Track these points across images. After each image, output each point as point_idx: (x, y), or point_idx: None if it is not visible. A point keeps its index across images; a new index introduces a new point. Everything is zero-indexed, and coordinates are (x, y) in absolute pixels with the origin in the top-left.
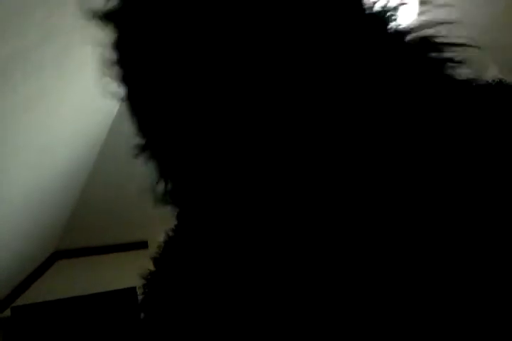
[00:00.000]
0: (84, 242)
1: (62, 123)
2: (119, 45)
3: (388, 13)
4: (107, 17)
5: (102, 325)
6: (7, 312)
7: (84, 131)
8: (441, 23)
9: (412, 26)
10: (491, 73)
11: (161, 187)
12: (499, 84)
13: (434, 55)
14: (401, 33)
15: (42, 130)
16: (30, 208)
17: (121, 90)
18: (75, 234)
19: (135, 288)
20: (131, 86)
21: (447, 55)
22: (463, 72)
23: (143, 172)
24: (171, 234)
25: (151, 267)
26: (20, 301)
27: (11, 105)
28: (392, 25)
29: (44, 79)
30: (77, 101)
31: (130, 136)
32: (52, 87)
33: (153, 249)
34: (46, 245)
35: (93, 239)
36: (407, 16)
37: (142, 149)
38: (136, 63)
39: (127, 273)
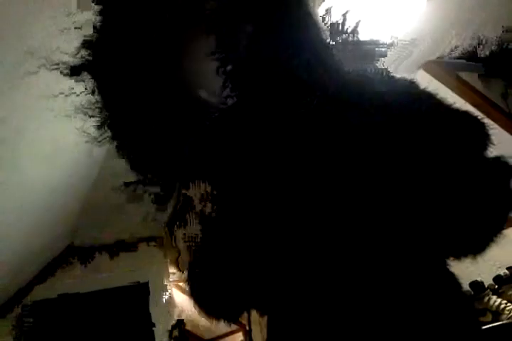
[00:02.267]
0: (98, 239)
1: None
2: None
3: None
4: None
5: (114, 320)
6: (18, 309)
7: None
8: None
9: None
10: None
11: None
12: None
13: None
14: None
15: (53, 128)
16: (45, 204)
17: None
18: (89, 230)
19: (146, 283)
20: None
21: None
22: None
23: None
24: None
25: (163, 263)
26: (33, 296)
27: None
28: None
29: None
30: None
31: None
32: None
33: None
34: (60, 241)
35: (106, 236)
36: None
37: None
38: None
39: (141, 268)
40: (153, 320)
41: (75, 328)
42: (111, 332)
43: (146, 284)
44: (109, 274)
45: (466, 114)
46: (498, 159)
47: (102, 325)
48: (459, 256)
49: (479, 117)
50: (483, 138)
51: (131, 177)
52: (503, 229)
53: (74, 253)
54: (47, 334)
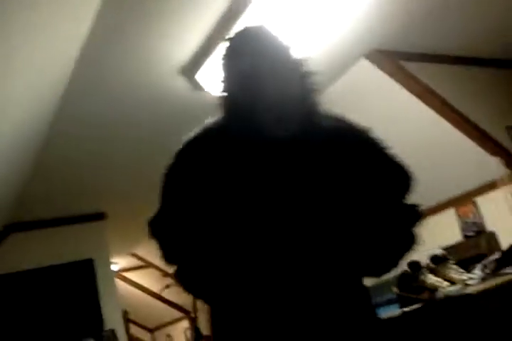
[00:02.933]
0: (39, 214)
1: (18, 79)
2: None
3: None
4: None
5: (59, 297)
6: None
7: (39, 89)
8: None
9: None
10: None
11: None
12: None
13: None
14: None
15: None
16: None
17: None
18: (29, 206)
19: (91, 259)
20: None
21: None
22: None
23: (99, 141)
24: None
25: (107, 239)
26: None
27: None
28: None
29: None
30: (34, 63)
31: (82, 103)
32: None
33: (110, 221)
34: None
35: (48, 211)
36: None
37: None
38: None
39: (84, 245)
40: (100, 297)
41: (19, 306)
42: (57, 310)
43: (91, 261)
44: (53, 251)
45: (395, 162)
46: (412, 206)
47: (47, 303)
48: (367, 275)
49: (406, 167)
50: (406, 186)
51: (79, 148)
52: (400, 260)
53: (16, 230)
54: None
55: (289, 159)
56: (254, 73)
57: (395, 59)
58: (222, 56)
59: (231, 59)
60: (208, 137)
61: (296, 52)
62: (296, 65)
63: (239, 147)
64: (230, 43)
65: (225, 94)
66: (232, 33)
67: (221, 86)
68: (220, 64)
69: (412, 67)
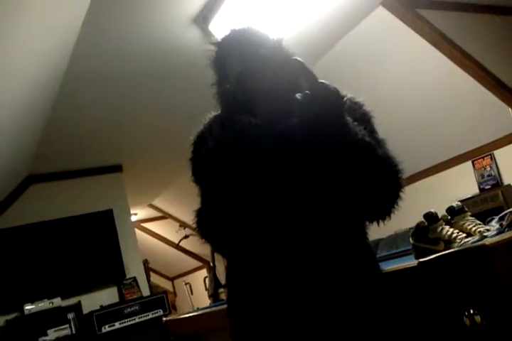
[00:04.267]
0: (58, 166)
1: (24, 45)
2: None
3: None
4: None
5: (82, 247)
6: None
7: (48, 51)
8: None
9: None
10: None
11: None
12: None
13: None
14: None
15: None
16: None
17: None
18: (49, 158)
19: (111, 210)
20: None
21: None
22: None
23: (113, 94)
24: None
25: (125, 190)
26: None
27: None
28: None
29: None
30: (40, 22)
31: (95, 57)
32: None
33: (127, 173)
34: (20, 169)
35: (67, 163)
36: None
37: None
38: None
39: (103, 196)
40: (121, 246)
41: (40, 256)
42: (81, 259)
43: (110, 211)
44: (73, 202)
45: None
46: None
47: (67, 253)
48: (371, 219)
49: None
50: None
51: (94, 101)
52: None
53: (35, 181)
54: (12, 262)
55: (287, 149)
56: (246, 70)
57: (411, 6)
58: (211, 59)
59: (221, 60)
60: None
61: (286, 48)
62: (287, 58)
63: (246, 147)
64: (218, 46)
65: (222, 92)
66: (218, 38)
67: (216, 86)
68: (211, 66)
69: (428, 14)
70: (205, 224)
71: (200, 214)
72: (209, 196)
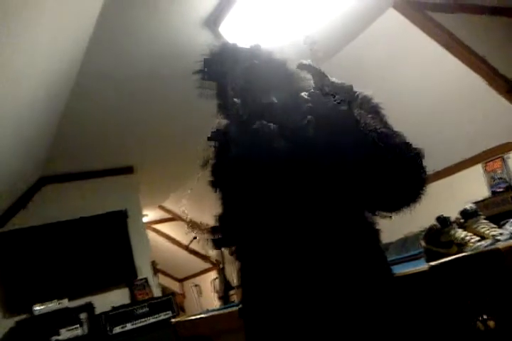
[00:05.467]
0: (71, 167)
1: (37, 46)
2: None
3: None
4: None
5: (91, 249)
6: None
7: (60, 53)
8: None
9: None
10: None
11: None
12: None
13: None
14: None
15: (16, 52)
16: (12, 134)
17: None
18: (62, 160)
19: (123, 211)
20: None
21: None
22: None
23: (124, 95)
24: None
25: (137, 192)
26: (7, 227)
27: None
28: None
29: None
30: (53, 23)
31: (107, 59)
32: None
33: (138, 174)
34: (32, 170)
35: (79, 165)
36: None
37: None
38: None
39: (115, 197)
40: (133, 247)
41: (52, 257)
42: (90, 261)
43: (122, 212)
44: (85, 203)
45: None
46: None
47: (80, 254)
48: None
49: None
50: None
51: (107, 104)
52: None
53: (48, 182)
54: (24, 263)
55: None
56: (247, 82)
57: (422, 9)
58: (209, 74)
59: (220, 73)
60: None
61: (290, 63)
62: (289, 73)
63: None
64: (211, 63)
65: (226, 106)
66: (210, 54)
67: (219, 100)
68: (212, 84)
69: (439, 16)
70: (227, 229)
71: (222, 219)
72: (233, 202)
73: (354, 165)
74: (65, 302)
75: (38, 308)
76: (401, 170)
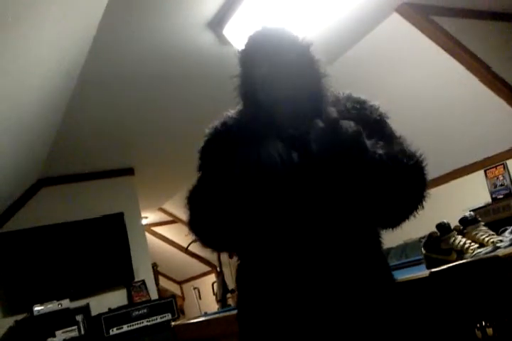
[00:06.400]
0: (70, 169)
1: (40, 47)
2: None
3: None
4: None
5: (89, 250)
6: None
7: (63, 53)
8: None
9: None
10: None
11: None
12: None
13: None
14: None
15: (19, 53)
16: (11, 136)
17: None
18: (61, 161)
19: (122, 213)
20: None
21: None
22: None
23: (126, 97)
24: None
25: (136, 194)
26: (5, 228)
27: None
28: None
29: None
30: (56, 25)
31: (109, 59)
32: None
33: (138, 176)
34: (31, 172)
35: (78, 166)
36: None
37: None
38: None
39: (114, 199)
40: (131, 249)
41: (50, 259)
42: (87, 263)
43: (121, 214)
44: (83, 205)
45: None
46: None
47: (78, 256)
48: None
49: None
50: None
51: (106, 105)
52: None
53: (46, 184)
54: (21, 265)
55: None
56: (272, 73)
57: (425, 13)
58: (240, 52)
59: (250, 55)
60: (228, 132)
61: (315, 51)
62: (313, 63)
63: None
64: (249, 41)
65: (246, 88)
66: (248, 35)
67: (240, 79)
68: (238, 58)
69: (442, 21)
70: (230, 233)
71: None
72: (246, 205)
73: (353, 179)
74: (66, 303)
75: (38, 308)
76: (402, 180)
